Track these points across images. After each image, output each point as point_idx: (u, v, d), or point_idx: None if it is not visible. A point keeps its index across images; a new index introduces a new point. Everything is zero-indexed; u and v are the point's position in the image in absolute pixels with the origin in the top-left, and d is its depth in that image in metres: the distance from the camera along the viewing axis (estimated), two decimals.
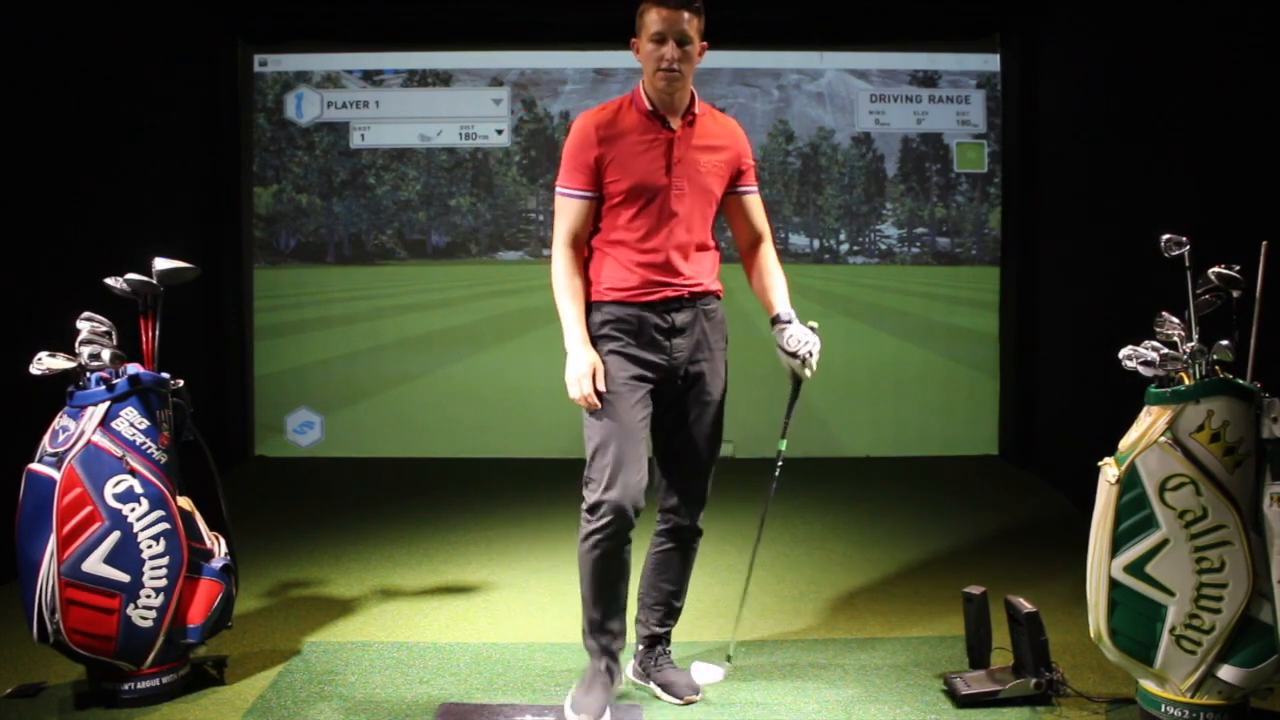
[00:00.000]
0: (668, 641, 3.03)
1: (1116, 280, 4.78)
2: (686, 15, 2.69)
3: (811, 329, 2.89)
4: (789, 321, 2.87)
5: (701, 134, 2.83)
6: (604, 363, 2.77)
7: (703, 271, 2.86)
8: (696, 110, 2.82)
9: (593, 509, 2.74)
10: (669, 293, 2.79)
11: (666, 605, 3.00)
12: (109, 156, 4.79)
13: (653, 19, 2.70)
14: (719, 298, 2.93)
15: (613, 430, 2.74)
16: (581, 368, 2.73)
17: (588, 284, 2.84)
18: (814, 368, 2.87)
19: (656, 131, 2.78)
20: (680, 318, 2.81)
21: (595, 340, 2.80)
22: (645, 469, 2.78)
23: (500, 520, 4.87)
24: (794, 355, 2.85)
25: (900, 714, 2.86)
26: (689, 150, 2.80)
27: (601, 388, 2.73)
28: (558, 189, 2.85)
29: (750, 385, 6.44)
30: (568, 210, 2.82)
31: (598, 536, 2.74)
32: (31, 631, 2.79)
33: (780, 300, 2.92)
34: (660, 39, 2.69)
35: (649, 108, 2.78)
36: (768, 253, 2.98)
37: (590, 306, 2.83)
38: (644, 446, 2.78)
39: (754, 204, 2.96)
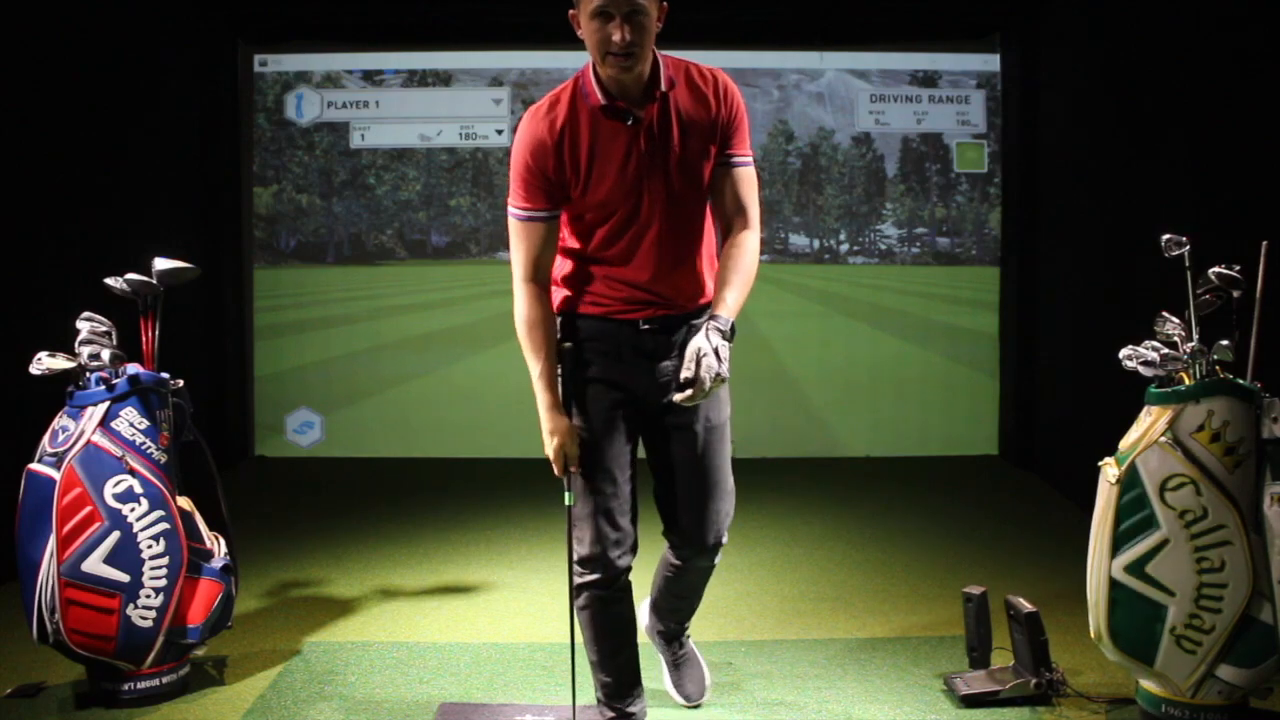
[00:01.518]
0: (685, 630, 2.93)
1: (1116, 280, 4.78)
2: None
3: (718, 353, 2.22)
4: (715, 329, 2.25)
5: (674, 113, 2.30)
6: (578, 394, 2.42)
7: (695, 284, 2.44)
8: (663, 85, 2.28)
9: (583, 562, 2.43)
10: (652, 311, 2.39)
11: (685, 610, 2.88)
12: (109, 156, 4.79)
13: None
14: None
15: (593, 475, 2.40)
16: (551, 446, 2.37)
17: (556, 287, 2.45)
18: (693, 391, 2.21)
19: (618, 128, 2.28)
20: (668, 340, 2.40)
21: (576, 364, 2.43)
22: (633, 511, 2.47)
23: (500, 520, 4.87)
24: (688, 362, 2.23)
25: (900, 714, 2.85)
26: (666, 141, 2.30)
27: (575, 468, 2.39)
28: (510, 209, 2.35)
29: (750, 386, 6.47)
30: (527, 236, 2.32)
31: (591, 592, 2.44)
32: (31, 631, 2.79)
33: (724, 300, 2.31)
34: (604, 16, 2.16)
35: (602, 99, 2.27)
36: (740, 245, 2.38)
37: (561, 314, 2.43)
38: (631, 486, 2.46)
39: (740, 179, 2.37)
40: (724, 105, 2.34)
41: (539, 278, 2.37)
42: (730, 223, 2.42)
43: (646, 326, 2.40)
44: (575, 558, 2.46)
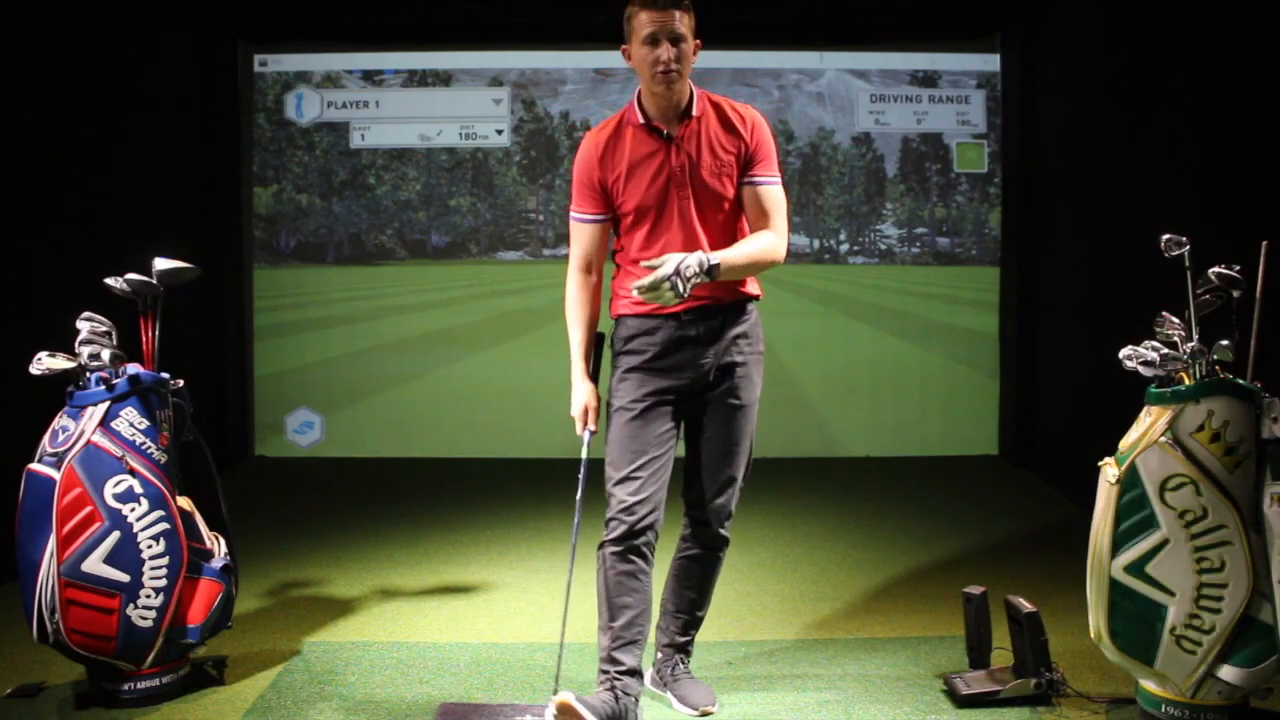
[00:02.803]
0: (688, 652, 2.98)
1: (1116, 280, 4.78)
2: (678, 14, 2.60)
3: (681, 268, 2.48)
4: (697, 254, 2.54)
5: (704, 135, 2.71)
6: (624, 380, 2.74)
7: (727, 282, 2.71)
8: (695, 111, 2.71)
9: (607, 523, 2.72)
10: (688, 304, 2.65)
11: (689, 614, 2.94)
12: (109, 156, 4.79)
13: (643, 21, 2.61)
14: (752, 301, 2.81)
15: (627, 448, 2.70)
16: (576, 406, 2.77)
17: (613, 299, 2.83)
18: (647, 281, 2.49)
19: (654, 144, 2.70)
20: (704, 327, 2.72)
21: (618, 355, 2.78)
22: (662, 487, 2.72)
23: (500, 520, 4.87)
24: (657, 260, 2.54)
25: (900, 714, 2.86)
26: (690, 155, 2.69)
27: (593, 427, 2.77)
28: (571, 212, 2.82)
29: None
30: (578, 234, 2.80)
31: (608, 549, 2.69)
32: (31, 631, 2.79)
33: (724, 250, 2.63)
34: (654, 41, 2.60)
35: (642, 120, 2.71)
36: (756, 234, 2.73)
37: (617, 321, 2.82)
38: (662, 464, 2.72)
39: (763, 195, 2.73)
40: (751, 137, 2.74)
41: (587, 269, 2.81)
42: (754, 228, 2.78)
43: (688, 317, 2.72)
44: (606, 519, 2.71)
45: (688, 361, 2.72)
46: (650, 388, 2.72)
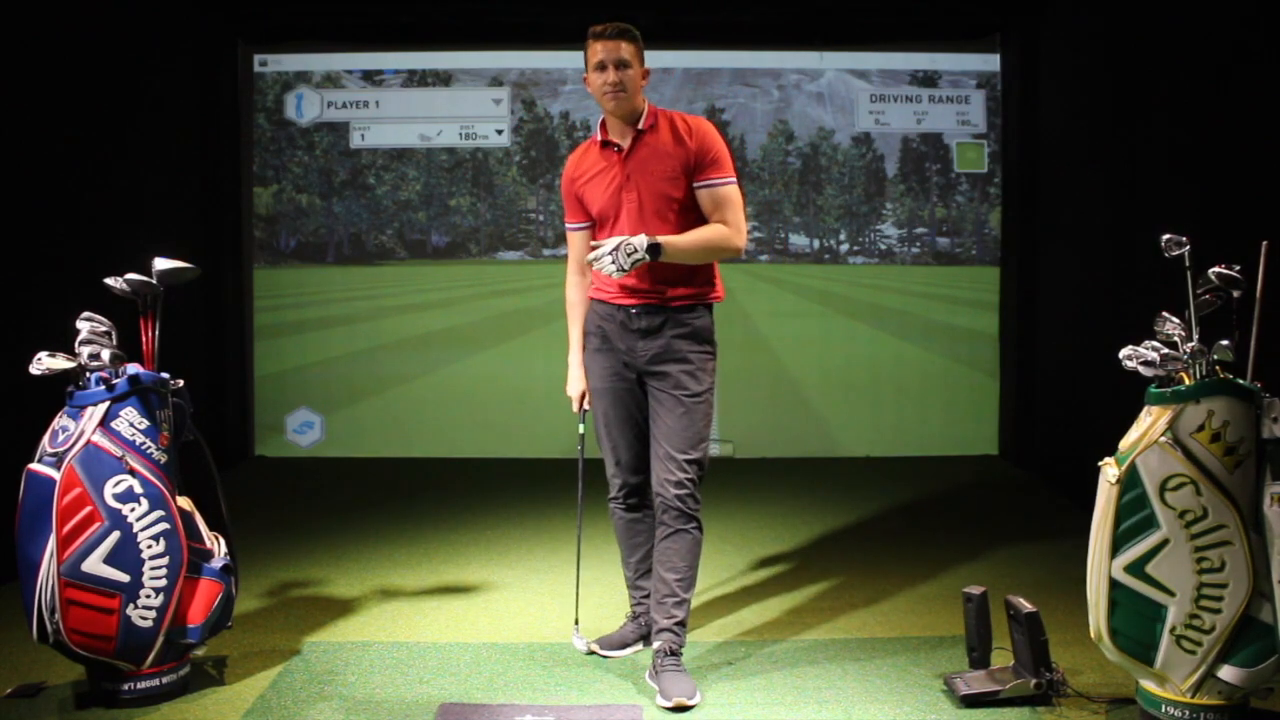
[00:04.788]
0: (679, 635, 3.03)
1: (1116, 280, 4.78)
2: (623, 44, 3.01)
3: (622, 247, 2.86)
4: (644, 235, 2.89)
5: (651, 145, 3.05)
6: (592, 359, 3.19)
7: (674, 280, 3.05)
8: (642, 125, 3.06)
9: (609, 484, 3.27)
10: (637, 300, 3.08)
11: (675, 595, 3.03)
12: (109, 156, 4.79)
13: (595, 50, 3.02)
14: (705, 306, 3.11)
15: (600, 421, 3.22)
16: (573, 388, 3.26)
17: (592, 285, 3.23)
18: (594, 254, 2.90)
19: (610, 157, 3.09)
20: (646, 322, 3.07)
21: (587, 335, 3.22)
22: (641, 450, 3.18)
23: (500, 520, 4.87)
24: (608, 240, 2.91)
25: (900, 714, 2.86)
26: (640, 164, 3.04)
27: (588, 406, 3.24)
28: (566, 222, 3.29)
29: (750, 386, 6.47)
30: (571, 240, 3.27)
31: (611, 504, 3.28)
32: (31, 631, 2.79)
33: (670, 235, 2.96)
34: (602, 66, 3.01)
35: (600, 139, 3.12)
36: (710, 225, 3.03)
37: (590, 303, 3.24)
38: (635, 433, 3.18)
39: (716, 195, 3.04)
40: (698, 142, 3.05)
41: (580, 270, 3.25)
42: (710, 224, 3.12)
43: (635, 311, 3.09)
44: (607, 478, 3.26)
45: (629, 348, 3.11)
46: (609, 369, 3.15)
